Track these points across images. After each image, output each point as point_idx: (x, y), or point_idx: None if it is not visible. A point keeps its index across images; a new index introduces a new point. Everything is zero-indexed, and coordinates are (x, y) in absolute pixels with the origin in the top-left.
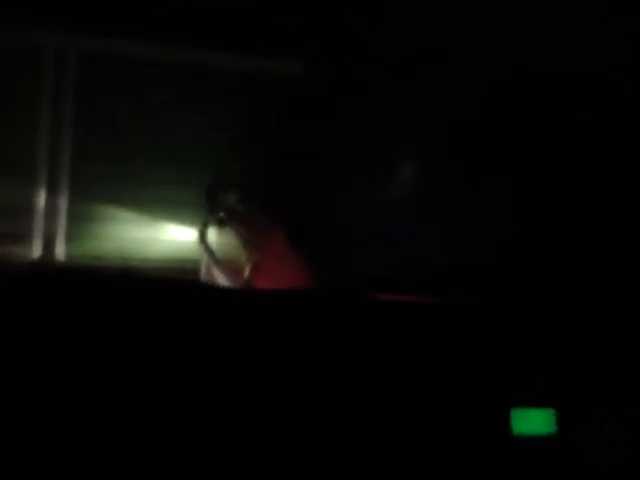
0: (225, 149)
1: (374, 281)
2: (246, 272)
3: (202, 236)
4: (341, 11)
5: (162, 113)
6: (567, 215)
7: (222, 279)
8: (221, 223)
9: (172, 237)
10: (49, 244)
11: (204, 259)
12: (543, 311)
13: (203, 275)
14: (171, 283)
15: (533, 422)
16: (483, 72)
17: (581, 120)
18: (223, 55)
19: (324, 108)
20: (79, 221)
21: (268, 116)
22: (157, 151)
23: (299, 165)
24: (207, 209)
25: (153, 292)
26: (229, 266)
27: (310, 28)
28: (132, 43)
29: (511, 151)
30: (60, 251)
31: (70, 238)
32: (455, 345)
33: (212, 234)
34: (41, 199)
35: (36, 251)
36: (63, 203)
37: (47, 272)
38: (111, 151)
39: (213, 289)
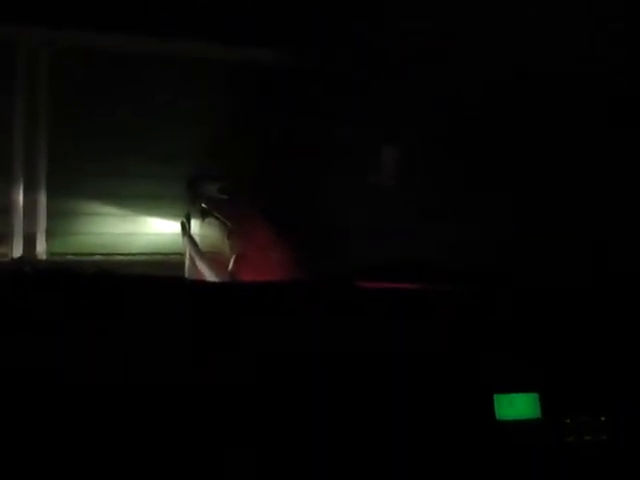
0: (206, 140)
1: (360, 271)
2: (230, 263)
3: (184, 228)
4: (331, 7)
5: (141, 107)
6: (566, 215)
7: (206, 271)
8: (203, 214)
9: (155, 231)
10: (30, 242)
11: (188, 251)
12: (526, 301)
13: (187, 267)
14: (154, 280)
15: (517, 407)
16: (483, 72)
17: (581, 120)
18: (205, 46)
19: (310, 100)
20: (60, 218)
21: (251, 107)
22: (137, 145)
23: (282, 155)
24: (188, 200)
25: (138, 290)
26: (213, 257)
27: (297, 21)
28: (109, 37)
29: (510, 151)
30: (41, 249)
31: (51, 235)
32: (439, 332)
33: (195, 226)
34: (20, 197)
35: (17, 250)
36: (42, 200)
37: (31, 272)
38: (89, 147)
39: (196, 284)
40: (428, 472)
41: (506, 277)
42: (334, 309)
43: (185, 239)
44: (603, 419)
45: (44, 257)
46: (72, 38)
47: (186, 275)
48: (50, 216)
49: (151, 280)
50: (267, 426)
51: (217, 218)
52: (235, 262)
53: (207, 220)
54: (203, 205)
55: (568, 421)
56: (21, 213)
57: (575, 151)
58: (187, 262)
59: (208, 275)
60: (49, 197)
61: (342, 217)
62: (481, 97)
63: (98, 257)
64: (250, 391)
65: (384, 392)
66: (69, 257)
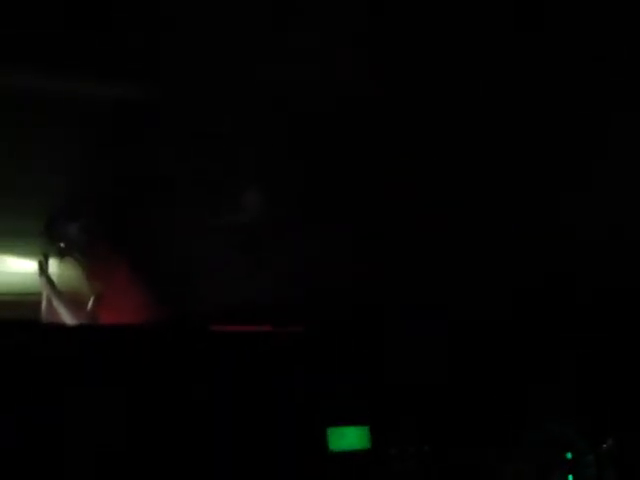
0: (65, 176)
1: (213, 313)
2: (89, 304)
3: (42, 268)
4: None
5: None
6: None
7: (64, 312)
8: (61, 254)
9: (11, 269)
10: None
11: (45, 291)
12: (358, 335)
13: (44, 308)
14: (8, 323)
15: (348, 439)
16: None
17: None
18: (66, 80)
19: (160, 135)
20: None
21: (106, 142)
22: None
23: (139, 194)
24: (47, 239)
25: None
26: (71, 298)
27: (147, 52)
28: None
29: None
30: None
31: None
32: (276, 369)
33: (53, 265)
34: None
35: None
36: None
37: None
38: None
39: (50, 327)
40: None
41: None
42: (186, 351)
43: (42, 279)
44: (427, 449)
45: None
46: None
47: (43, 315)
48: None
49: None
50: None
51: (76, 258)
52: (94, 303)
53: (66, 259)
54: (62, 244)
55: (394, 451)
56: None
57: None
58: (44, 302)
59: (66, 316)
60: None
61: (197, 258)
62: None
63: None
64: (99, 434)
65: (228, 428)
66: None
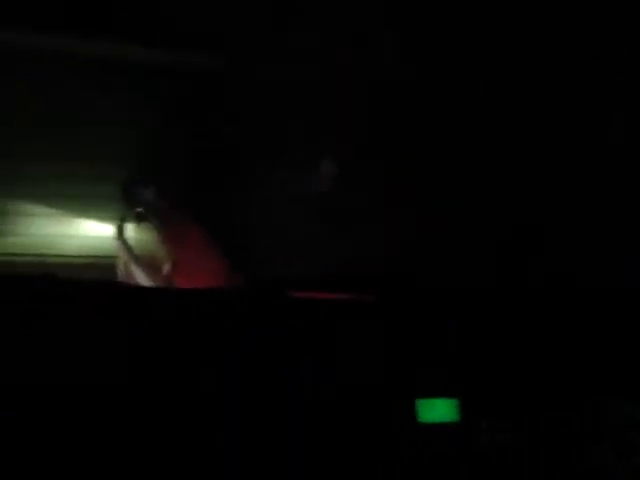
0: (142, 144)
1: (289, 279)
2: (165, 268)
3: (119, 232)
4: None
5: (77, 108)
6: (470, 217)
7: (139, 275)
8: (139, 219)
9: (89, 233)
10: None
11: (121, 255)
12: (447, 308)
13: (120, 271)
14: (93, 285)
15: (437, 411)
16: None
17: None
18: (138, 48)
19: (240, 105)
20: None
21: (185, 111)
22: (72, 147)
23: (216, 161)
24: (125, 204)
25: (77, 295)
26: (147, 262)
27: (228, 23)
28: (40, 36)
29: (415, 154)
30: None
31: None
32: (361, 339)
33: (130, 230)
34: None
35: None
36: None
37: None
38: (23, 148)
39: (135, 289)
40: (355, 472)
41: (410, 277)
42: (265, 317)
43: (119, 242)
44: (516, 422)
45: None
46: (6, 37)
47: (119, 278)
48: None
49: (90, 284)
50: (184, 432)
51: (153, 223)
52: (170, 267)
53: (143, 224)
54: (139, 209)
55: (484, 424)
56: None
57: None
58: (121, 265)
59: (141, 279)
60: None
61: (271, 225)
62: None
63: (30, 258)
64: (173, 397)
65: (308, 397)
66: (1, 257)
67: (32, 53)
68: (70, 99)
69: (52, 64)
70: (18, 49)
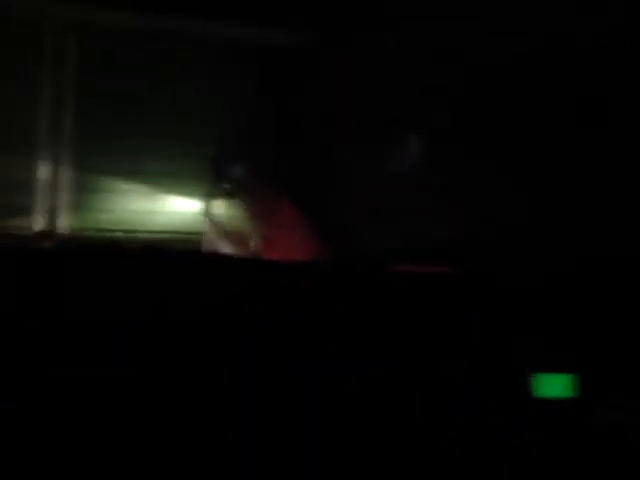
0: (229, 121)
1: (382, 253)
2: (253, 244)
3: (207, 208)
4: None
5: (166, 87)
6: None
7: (228, 251)
8: (228, 195)
9: (176, 209)
10: (53, 216)
11: (208, 231)
12: (565, 283)
13: (207, 247)
14: (193, 254)
15: (554, 386)
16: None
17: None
18: (225, 27)
19: (327, 79)
20: (82, 194)
21: (271, 88)
22: (161, 124)
23: (305, 136)
24: (213, 181)
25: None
26: (235, 238)
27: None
28: (132, 16)
29: (510, 134)
30: (63, 223)
31: (73, 211)
32: (476, 314)
33: (217, 206)
34: (43, 173)
35: (39, 223)
36: (66, 176)
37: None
38: (114, 124)
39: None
40: (469, 446)
41: (512, 253)
42: (362, 291)
43: (206, 218)
44: (632, 402)
45: (65, 232)
46: (100, 17)
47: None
48: (72, 192)
49: (193, 255)
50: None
51: (240, 199)
52: (258, 242)
53: (230, 200)
54: (226, 185)
55: (601, 401)
56: (44, 188)
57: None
58: (208, 242)
59: (229, 253)
60: (72, 173)
61: (362, 200)
62: (484, 80)
63: (119, 233)
64: (265, 365)
65: (422, 372)
66: (90, 232)
67: (128, 35)
68: (165, 78)
69: (149, 44)
70: (124, 31)
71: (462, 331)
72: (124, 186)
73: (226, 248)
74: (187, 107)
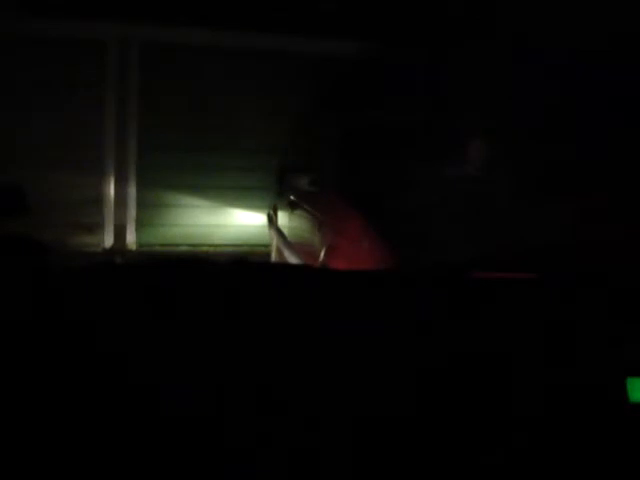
0: (292, 134)
1: (464, 261)
2: (321, 255)
3: (271, 220)
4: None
5: (229, 101)
6: None
7: (295, 262)
8: (292, 206)
9: (240, 222)
10: (120, 233)
11: (274, 243)
12: None
13: (273, 258)
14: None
15: None
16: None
17: None
18: (286, 39)
19: (393, 88)
20: (148, 209)
21: (333, 98)
22: (224, 139)
23: (369, 148)
24: (276, 192)
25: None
26: (302, 249)
27: (377, 14)
28: (193, 31)
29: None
30: (131, 239)
31: (140, 226)
32: (566, 317)
33: (282, 218)
34: (111, 190)
35: (108, 239)
36: (132, 193)
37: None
38: (176, 140)
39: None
40: (558, 453)
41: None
42: (441, 300)
43: (272, 231)
44: None
45: (133, 247)
46: (161, 34)
47: None
48: (139, 207)
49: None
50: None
51: (306, 210)
52: (326, 254)
53: (295, 212)
54: (292, 197)
55: None
56: (112, 205)
57: None
58: (273, 253)
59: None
60: (138, 189)
61: (426, 208)
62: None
63: (185, 247)
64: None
65: (511, 377)
66: (157, 247)
67: (189, 50)
68: (228, 92)
69: (211, 57)
70: (175, 47)
71: (553, 336)
72: (188, 201)
73: (292, 259)
74: (251, 120)
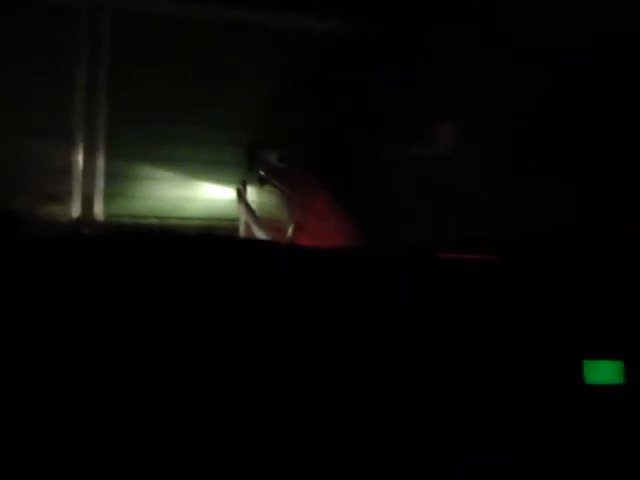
0: (262, 108)
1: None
2: (289, 231)
3: (240, 194)
4: None
5: (201, 73)
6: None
7: (263, 237)
8: (261, 181)
9: (209, 196)
10: (88, 203)
11: (242, 218)
12: (611, 268)
13: (242, 233)
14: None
15: (604, 373)
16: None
17: None
18: (260, 13)
19: (366, 67)
20: (117, 181)
21: (307, 75)
22: (196, 111)
23: (341, 123)
24: (246, 167)
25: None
26: (270, 225)
27: None
28: (171, 3)
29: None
30: (99, 210)
31: (109, 197)
32: (526, 300)
33: (252, 193)
34: (79, 160)
35: (75, 210)
36: (101, 163)
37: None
38: (147, 112)
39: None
40: (518, 431)
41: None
42: (415, 277)
43: (241, 205)
44: None
45: (101, 218)
46: (134, 3)
47: None
48: (108, 179)
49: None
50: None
51: (275, 186)
52: (294, 229)
53: (264, 187)
54: (261, 172)
55: None
56: (80, 175)
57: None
58: (241, 227)
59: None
60: (108, 160)
61: (397, 187)
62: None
63: (154, 220)
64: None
65: (471, 359)
66: (125, 219)
67: (160, 21)
68: (200, 65)
69: (185, 30)
70: (158, 17)
71: (511, 319)
72: (158, 173)
73: (260, 235)
74: (222, 94)
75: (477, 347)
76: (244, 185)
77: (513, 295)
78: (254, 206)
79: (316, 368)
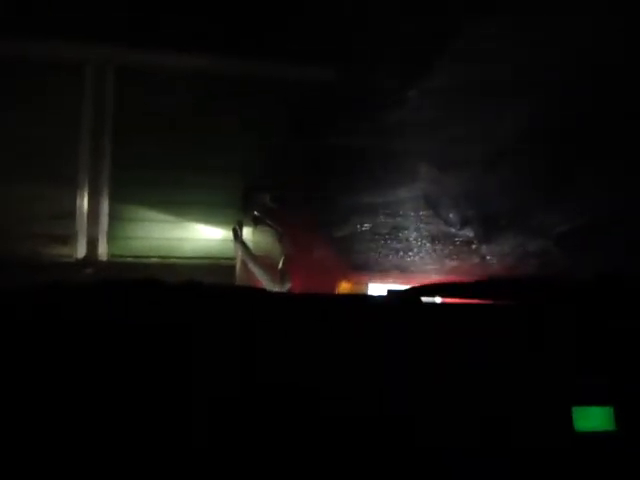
0: (257, 153)
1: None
2: (280, 264)
3: (236, 234)
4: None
5: (199, 121)
6: None
7: (257, 272)
8: (255, 221)
9: (208, 236)
10: (92, 244)
11: (238, 255)
12: (604, 311)
13: (238, 270)
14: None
15: (593, 419)
16: None
17: None
18: (255, 63)
19: (354, 112)
20: (120, 223)
21: (299, 121)
22: (195, 156)
23: (327, 168)
24: (242, 209)
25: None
26: (264, 260)
27: (340, 36)
28: (165, 55)
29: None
30: (103, 251)
31: (112, 239)
32: (518, 345)
33: (247, 232)
34: (84, 203)
35: (80, 251)
36: (105, 206)
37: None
38: (149, 159)
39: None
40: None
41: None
42: (396, 323)
43: (237, 244)
44: None
45: (105, 258)
46: (135, 56)
47: (237, 277)
48: (111, 221)
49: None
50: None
51: (269, 225)
52: (285, 262)
53: (259, 226)
54: (256, 213)
55: None
56: (85, 218)
57: None
58: (238, 265)
59: (260, 276)
60: (111, 203)
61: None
62: None
63: (154, 260)
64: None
65: (470, 400)
66: (128, 259)
67: (169, 72)
68: (197, 113)
69: (181, 80)
70: (147, 70)
71: (500, 364)
72: (159, 215)
73: (256, 270)
74: (220, 141)
75: (463, 391)
76: (240, 225)
77: (500, 341)
78: (249, 244)
79: None
